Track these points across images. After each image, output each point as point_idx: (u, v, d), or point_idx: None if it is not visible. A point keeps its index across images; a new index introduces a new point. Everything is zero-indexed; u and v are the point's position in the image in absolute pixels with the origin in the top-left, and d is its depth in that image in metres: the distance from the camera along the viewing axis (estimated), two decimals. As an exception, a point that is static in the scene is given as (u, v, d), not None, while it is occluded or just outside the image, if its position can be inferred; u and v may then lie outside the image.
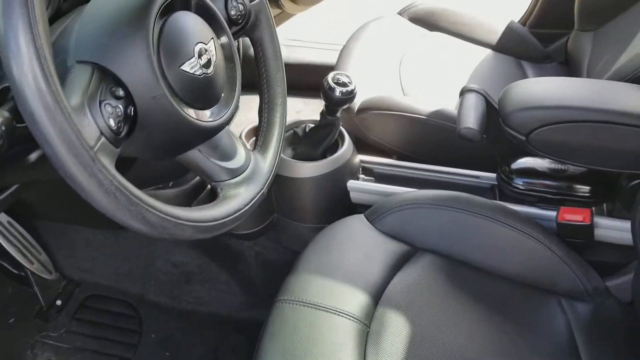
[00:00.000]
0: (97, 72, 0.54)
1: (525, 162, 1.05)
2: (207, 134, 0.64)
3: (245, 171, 0.69)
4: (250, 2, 0.75)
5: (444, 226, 0.96)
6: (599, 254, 1.02)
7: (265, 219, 1.14)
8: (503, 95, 0.99)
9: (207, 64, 0.62)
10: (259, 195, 0.69)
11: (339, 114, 1.06)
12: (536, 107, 0.94)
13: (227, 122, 0.66)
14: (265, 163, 0.73)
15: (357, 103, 1.26)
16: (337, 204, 1.12)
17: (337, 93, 0.99)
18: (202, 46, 0.62)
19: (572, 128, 0.92)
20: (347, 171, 1.11)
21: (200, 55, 0.62)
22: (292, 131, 1.15)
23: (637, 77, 0.99)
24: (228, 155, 0.68)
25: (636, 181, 0.96)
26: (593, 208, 1.01)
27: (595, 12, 1.37)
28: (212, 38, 0.65)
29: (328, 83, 1.00)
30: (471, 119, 0.98)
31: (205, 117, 0.63)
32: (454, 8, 1.50)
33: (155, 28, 0.58)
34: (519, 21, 1.62)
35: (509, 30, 1.50)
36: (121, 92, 0.55)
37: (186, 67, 0.60)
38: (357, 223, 0.98)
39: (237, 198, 0.65)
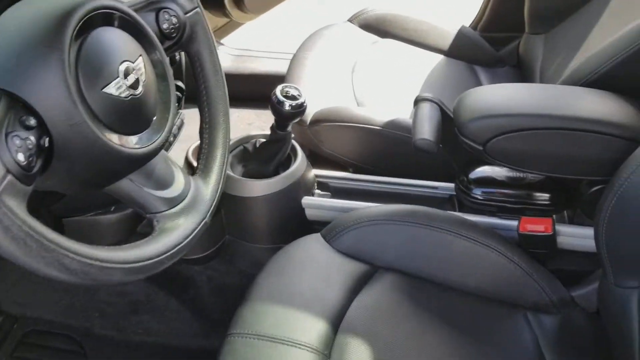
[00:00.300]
0: (3, 99, 0.47)
1: (483, 171, 1.02)
2: (137, 162, 0.58)
3: (185, 199, 0.62)
4: (185, 13, 0.69)
5: (404, 242, 0.92)
6: (563, 262, 1.00)
7: (216, 242, 1.08)
8: (458, 104, 0.95)
9: (135, 84, 0.56)
10: (201, 225, 0.63)
11: (290, 128, 1.01)
12: (492, 115, 0.91)
13: (160, 147, 0.60)
14: (208, 189, 0.66)
15: (309, 115, 1.21)
16: (292, 222, 1.07)
17: (287, 107, 0.94)
18: (129, 65, 0.56)
19: (529, 136, 0.89)
20: (302, 187, 1.06)
21: (126, 75, 0.55)
22: (241, 147, 1.09)
23: (592, 81, 0.97)
24: (164, 183, 0.62)
25: (596, 187, 0.94)
26: (554, 216, 0.99)
27: (545, 16, 1.36)
28: (141, 55, 0.59)
29: (276, 96, 0.95)
30: (426, 130, 0.94)
31: (135, 143, 0.56)
32: (405, 14, 1.47)
33: (72, 47, 0.51)
34: (469, 25, 1.60)
35: (461, 35, 1.48)
36: (33, 122, 0.48)
37: (110, 89, 0.54)
38: (313, 243, 0.93)
39: (176, 231, 0.59)
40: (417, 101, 1.01)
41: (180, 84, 1.04)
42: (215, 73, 0.72)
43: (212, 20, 1.86)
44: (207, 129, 0.71)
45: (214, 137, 0.70)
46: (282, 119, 0.97)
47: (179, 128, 1.04)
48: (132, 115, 0.56)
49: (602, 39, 1.17)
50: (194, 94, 0.75)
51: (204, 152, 0.70)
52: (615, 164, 0.81)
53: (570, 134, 0.88)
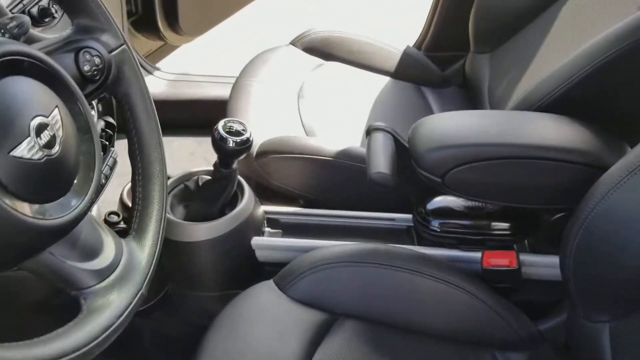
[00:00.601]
0: None
1: (441, 201, 0.97)
2: (57, 234, 0.49)
3: (117, 269, 0.54)
4: (110, 52, 0.61)
5: (364, 286, 0.85)
6: (528, 292, 0.96)
7: (158, 292, 0.98)
8: (412, 134, 0.90)
9: (50, 143, 0.47)
10: (137, 297, 0.54)
11: (235, 165, 0.93)
12: (450, 146, 0.86)
13: (85, 212, 0.51)
14: (143, 253, 0.58)
15: (255, 146, 1.13)
16: (242, 266, 0.99)
17: (231, 144, 0.87)
18: (42, 120, 0.47)
19: (489, 166, 0.85)
20: (250, 227, 0.98)
21: (39, 133, 0.47)
22: (182, 185, 1.00)
23: (546, 105, 0.94)
24: (91, 253, 0.53)
25: (559, 215, 0.91)
26: (516, 247, 0.95)
27: (489, 34, 1.34)
28: (57, 106, 0.50)
29: (219, 133, 0.87)
30: (381, 163, 0.89)
31: (52, 212, 0.47)
32: (349, 35, 1.42)
33: None
34: (414, 45, 1.58)
35: (406, 56, 1.45)
36: None
37: (19, 151, 0.45)
38: (265, 293, 0.85)
39: (107, 309, 0.50)
40: (370, 131, 0.95)
41: (110, 120, 0.95)
42: (148, 117, 0.64)
43: (146, 44, 1.76)
44: (140, 182, 0.62)
45: (149, 191, 0.62)
46: (226, 156, 0.89)
47: (112, 168, 0.95)
48: (47, 179, 0.47)
49: (548, 59, 1.16)
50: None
51: (137, 208, 0.62)
52: (578, 192, 0.78)
53: (532, 163, 0.85)
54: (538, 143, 0.85)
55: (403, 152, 0.93)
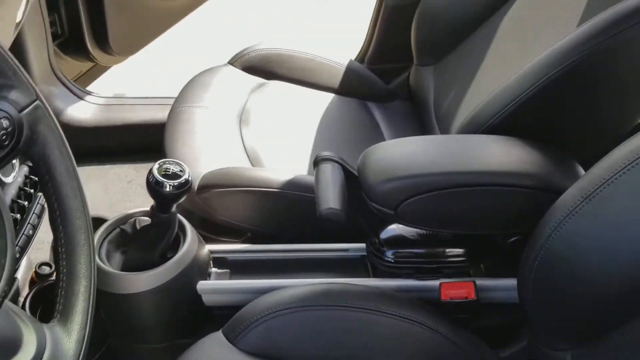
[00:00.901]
0: None
1: (394, 229, 0.94)
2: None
3: (39, 366, 0.47)
4: (20, 111, 0.53)
5: (320, 330, 0.81)
6: (487, 318, 0.94)
7: (97, 349, 0.91)
8: (361, 165, 0.86)
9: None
10: None
11: (174, 209, 0.86)
12: (402, 177, 0.83)
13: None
14: (70, 340, 0.51)
15: (197, 179, 1.07)
16: (189, 313, 0.93)
17: (167, 188, 0.80)
18: None
19: (442, 195, 0.82)
20: (195, 271, 0.91)
21: None
22: (118, 229, 0.93)
23: (495, 125, 0.92)
24: (9, 349, 0.46)
25: (514, 239, 0.89)
26: (472, 273, 0.93)
27: (431, 46, 1.32)
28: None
29: (154, 177, 0.80)
30: (331, 197, 0.84)
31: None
32: (290, 52, 1.37)
33: None
34: (356, 58, 1.54)
35: (349, 71, 1.41)
36: None
37: None
38: (215, 346, 0.79)
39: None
40: (318, 162, 0.91)
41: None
42: (69, 178, 0.57)
43: (75, 66, 1.66)
44: (63, 254, 0.55)
45: (74, 264, 0.55)
46: (164, 201, 0.82)
47: (39, 216, 0.87)
48: None
49: (492, 72, 1.14)
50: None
51: (61, 285, 0.54)
52: (533, 217, 0.75)
53: (484, 190, 0.83)
54: (489, 169, 0.83)
55: (353, 182, 0.89)
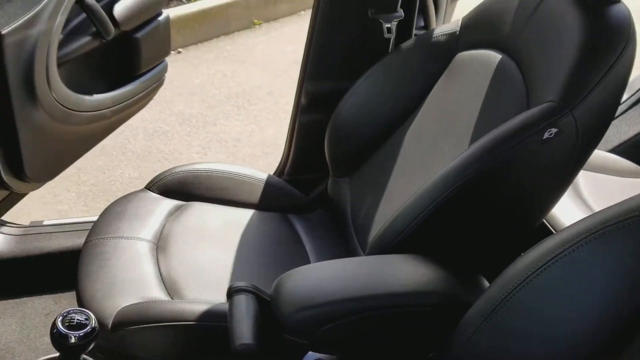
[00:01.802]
0: None
1: (313, 355, 0.93)
2: None
3: None
4: None
5: None
6: None
7: None
8: (274, 294, 0.87)
9: None
10: None
11: (84, 356, 0.83)
12: (314, 305, 0.83)
13: None
14: None
15: (110, 317, 1.03)
16: None
17: (72, 339, 0.77)
18: None
19: (355, 321, 0.83)
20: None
21: None
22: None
23: (401, 242, 0.96)
24: None
25: (431, 354, 0.90)
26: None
27: (345, 160, 1.37)
28: None
29: (57, 329, 0.78)
30: (245, 332, 0.83)
31: None
32: (207, 172, 1.38)
33: None
34: (275, 172, 1.58)
35: (268, 185, 1.43)
36: None
37: None
38: None
39: None
40: (231, 293, 0.90)
41: None
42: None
43: (-12, 195, 1.61)
44: None
45: None
46: (71, 353, 0.79)
47: None
48: None
49: (400, 185, 1.20)
50: None
51: None
52: (444, 334, 0.77)
53: (394, 311, 0.84)
54: (397, 290, 0.85)
55: (267, 309, 0.89)
